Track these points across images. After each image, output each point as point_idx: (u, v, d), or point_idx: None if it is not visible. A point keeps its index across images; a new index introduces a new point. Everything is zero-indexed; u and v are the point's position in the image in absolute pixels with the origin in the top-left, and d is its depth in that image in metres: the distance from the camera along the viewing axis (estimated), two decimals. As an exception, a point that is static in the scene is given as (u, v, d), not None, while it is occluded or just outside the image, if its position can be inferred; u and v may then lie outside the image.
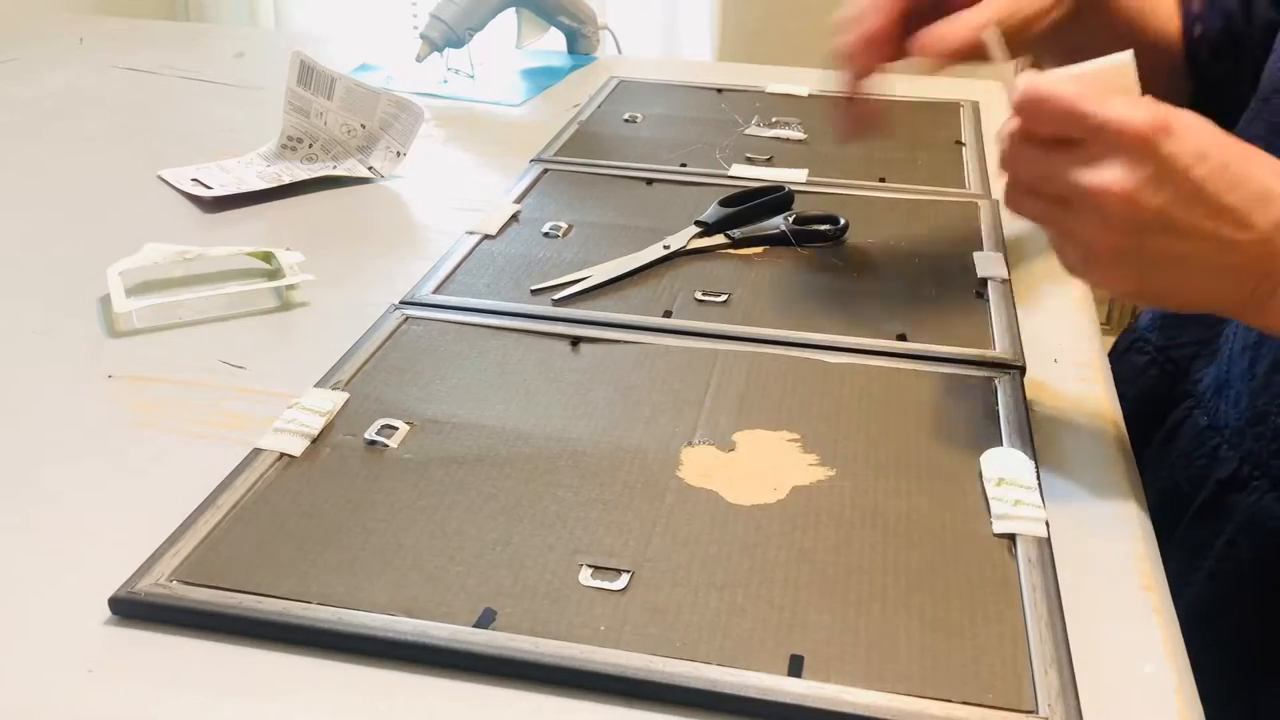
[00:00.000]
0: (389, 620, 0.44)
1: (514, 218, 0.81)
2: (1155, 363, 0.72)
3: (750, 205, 0.78)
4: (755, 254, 0.76)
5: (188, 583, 0.46)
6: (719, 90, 1.11)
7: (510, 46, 1.25)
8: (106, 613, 0.45)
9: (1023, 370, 0.62)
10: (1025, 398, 0.59)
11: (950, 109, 1.05)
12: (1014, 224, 0.78)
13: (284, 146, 0.90)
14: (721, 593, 0.46)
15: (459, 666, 0.43)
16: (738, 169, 0.90)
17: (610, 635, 0.43)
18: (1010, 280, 0.71)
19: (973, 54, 0.59)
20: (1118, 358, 0.76)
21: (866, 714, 0.40)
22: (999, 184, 0.51)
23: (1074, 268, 0.50)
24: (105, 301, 0.69)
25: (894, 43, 0.63)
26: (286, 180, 0.86)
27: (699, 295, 0.70)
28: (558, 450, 0.55)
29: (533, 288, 0.70)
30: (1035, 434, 0.56)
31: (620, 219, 0.81)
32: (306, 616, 0.44)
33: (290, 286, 0.71)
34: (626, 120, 1.02)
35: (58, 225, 0.82)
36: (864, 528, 0.50)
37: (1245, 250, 0.47)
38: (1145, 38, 0.48)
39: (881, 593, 0.46)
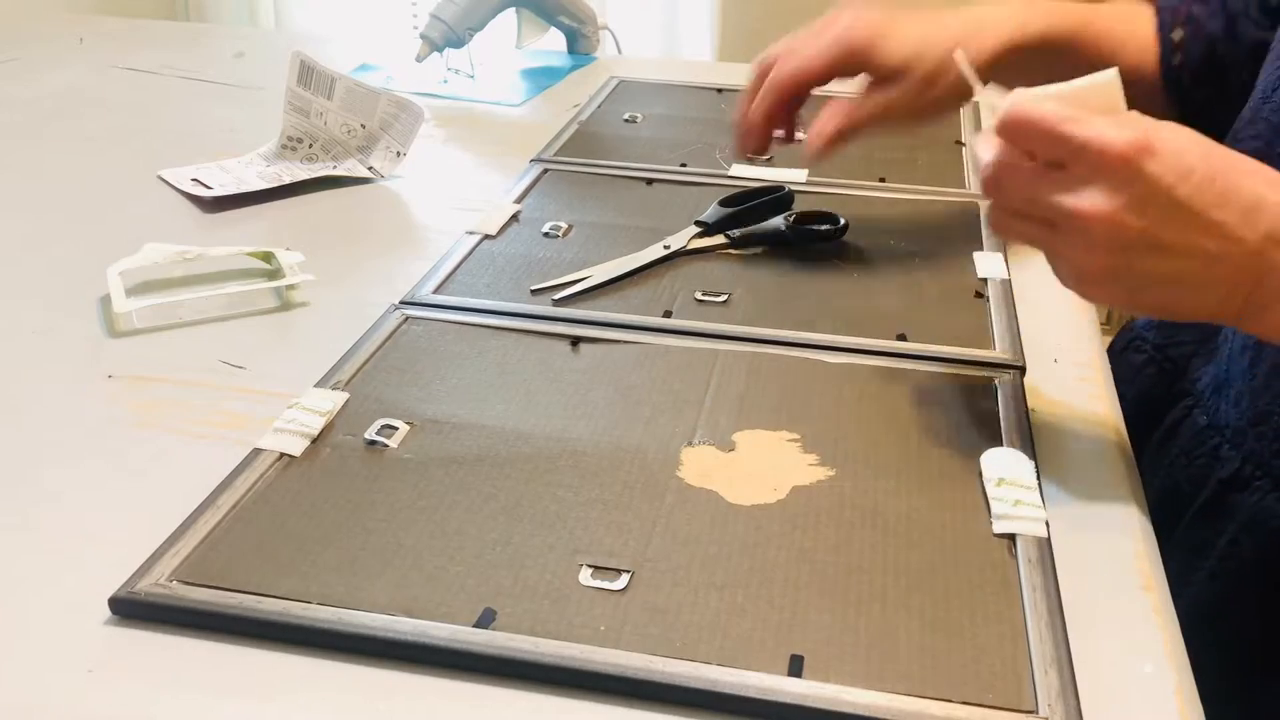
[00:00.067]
0: (389, 620, 0.44)
1: (514, 218, 0.81)
2: (1153, 361, 0.72)
3: (750, 205, 0.78)
4: (755, 254, 0.76)
5: (188, 583, 0.46)
6: (719, 90, 1.11)
7: (510, 46, 1.25)
8: (106, 613, 0.45)
9: (1023, 370, 0.62)
10: (1025, 398, 0.59)
11: (950, 109, 1.05)
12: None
13: (284, 146, 0.90)
14: (721, 593, 0.46)
15: (459, 666, 0.43)
16: (738, 169, 0.90)
17: (610, 635, 0.43)
18: (1010, 280, 0.71)
19: (849, 139, 0.69)
20: (1115, 357, 0.76)
21: (866, 714, 0.40)
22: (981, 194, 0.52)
23: (1068, 283, 0.51)
24: (105, 301, 0.69)
25: (776, 127, 0.73)
26: (286, 180, 0.86)
27: (699, 295, 0.70)
28: (558, 450, 0.55)
29: (533, 288, 0.70)
30: (1035, 434, 0.57)
31: (620, 219, 0.81)
32: (306, 616, 0.44)
33: (290, 286, 0.71)
34: (626, 120, 1.02)
35: (58, 225, 0.82)
36: (864, 528, 0.50)
37: (1235, 263, 0.47)
38: (1122, 73, 0.49)
39: (881, 593, 0.46)
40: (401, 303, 0.68)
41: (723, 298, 0.70)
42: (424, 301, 0.68)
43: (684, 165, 0.90)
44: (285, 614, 0.44)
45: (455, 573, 0.46)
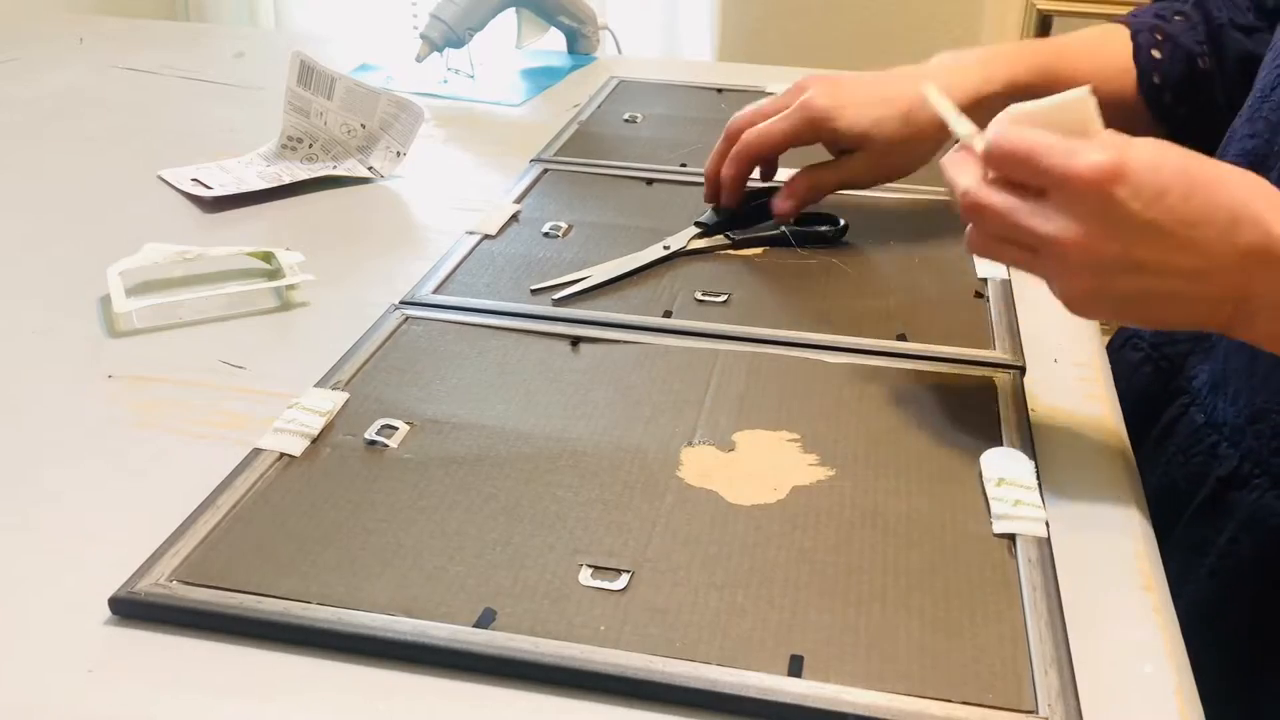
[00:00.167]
0: (389, 620, 0.44)
1: (514, 218, 0.81)
2: (1149, 359, 0.72)
3: (750, 205, 0.78)
4: (755, 254, 0.76)
5: (188, 583, 0.46)
6: (719, 90, 1.11)
7: (510, 46, 1.25)
8: (106, 613, 0.45)
9: (1022, 370, 0.62)
10: (1025, 398, 0.59)
11: (950, 109, 1.05)
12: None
13: (284, 146, 0.90)
14: (721, 593, 0.46)
15: (459, 666, 0.43)
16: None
17: (610, 635, 0.43)
18: (1010, 280, 0.71)
19: (817, 200, 0.76)
20: (1112, 354, 0.76)
21: (866, 714, 0.40)
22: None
23: (1059, 299, 0.52)
24: (105, 301, 0.69)
25: (744, 184, 0.77)
26: (286, 180, 0.86)
27: (699, 295, 0.70)
28: (558, 450, 0.55)
29: (533, 288, 0.70)
30: (1035, 434, 0.57)
31: (620, 219, 0.81)
32: (306, 616, 0.44)
33: (290, 286, 0.71)
34: (626, 120, 1.02)
35: (58, 225, 0.82)
36: (864, 528, 0.50)
37: (1217, 278, 0.48)
38: (1103, 97, 0.50)
39: (881, 593, 0.46)
40: (401, 303, 0.68)
41: (723, 298, 0.70)
42: (424, 301, 0.68)
43: (684, 165, 0.90)
44: (285, 614, 0.44)
45: (455, 573, 0.46)
